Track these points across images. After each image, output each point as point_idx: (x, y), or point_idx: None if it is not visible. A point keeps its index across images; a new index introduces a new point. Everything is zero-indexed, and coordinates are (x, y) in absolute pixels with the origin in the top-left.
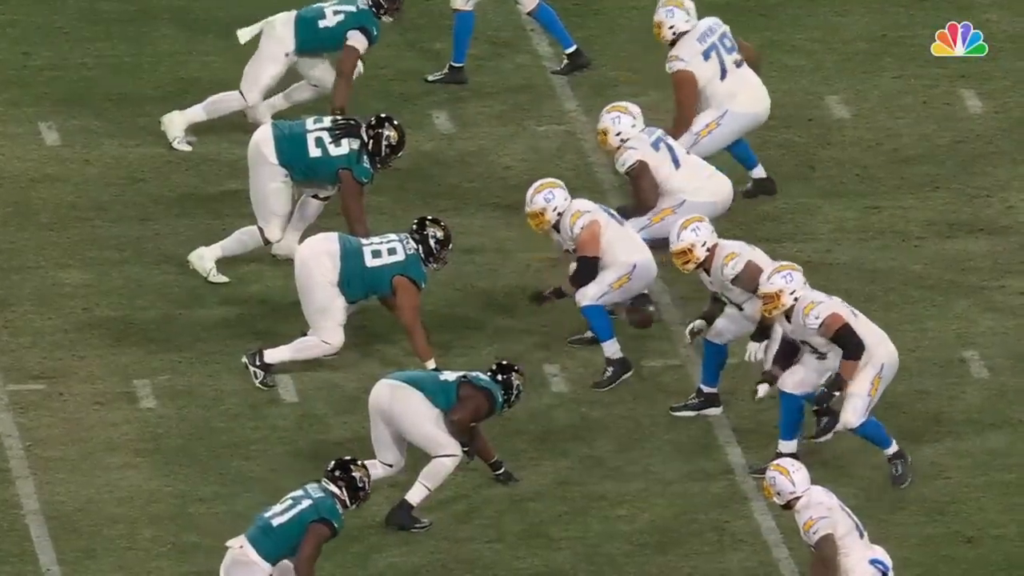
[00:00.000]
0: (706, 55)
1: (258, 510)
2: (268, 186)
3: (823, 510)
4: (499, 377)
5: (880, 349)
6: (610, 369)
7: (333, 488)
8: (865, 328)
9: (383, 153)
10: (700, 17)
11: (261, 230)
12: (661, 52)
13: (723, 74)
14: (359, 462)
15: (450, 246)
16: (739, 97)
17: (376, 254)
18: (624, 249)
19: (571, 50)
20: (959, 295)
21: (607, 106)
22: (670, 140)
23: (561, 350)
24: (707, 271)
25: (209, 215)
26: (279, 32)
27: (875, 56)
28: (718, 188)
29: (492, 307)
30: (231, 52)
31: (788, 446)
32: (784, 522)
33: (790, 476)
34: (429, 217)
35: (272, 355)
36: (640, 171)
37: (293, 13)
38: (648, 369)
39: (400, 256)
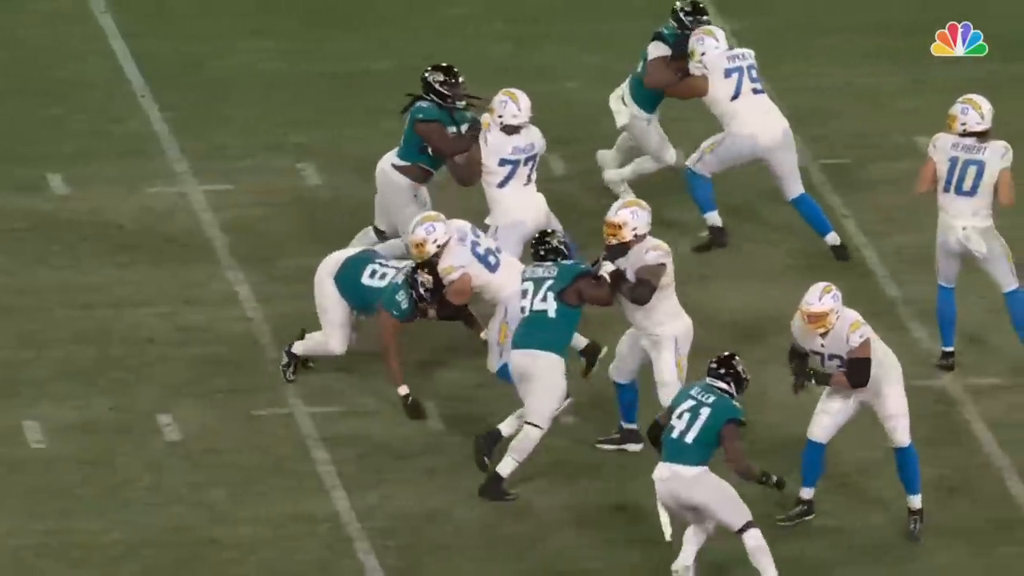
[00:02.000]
0: (727, 73)
1: None
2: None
3: None
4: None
5: (897, 365)
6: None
7: (721, 385)
8: (882, 346)
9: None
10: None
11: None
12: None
13: (736, 95)
14: (736, 355)
15: (441, 293)
16: (741, 117)
17: (373, 274)
18: (495, 289)
19: None
20: None
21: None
22: (520, 170)
23: (172, 399)
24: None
25: None
26: (630, 106)
27: None
28: (533, 205)
29: (107, 360)
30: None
31: (808, 493)
32: (390, 563)
33: None
34: (419, 266)
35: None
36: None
37: (626, 84)
38: (259, 418)
39: (384, 283)
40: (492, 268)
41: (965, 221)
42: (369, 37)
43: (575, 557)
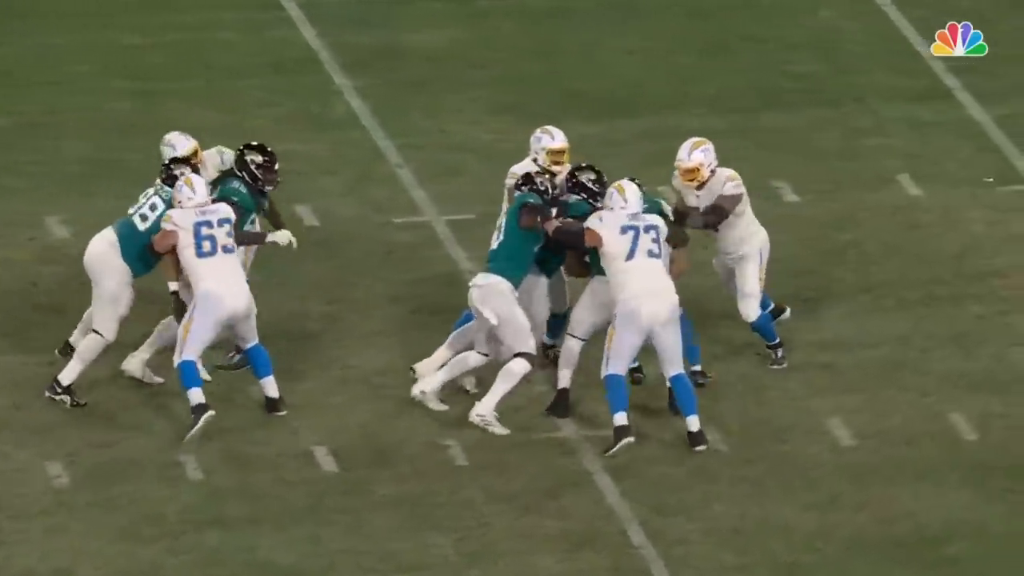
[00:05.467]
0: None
1: None
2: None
3: None
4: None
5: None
6: (193, 416)
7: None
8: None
9: (259, 177)
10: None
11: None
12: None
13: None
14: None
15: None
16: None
17: (143, 218)
18: (194, 278)
19: None
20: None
21: None
22: None
23: None
24: (699, 188)
25: None
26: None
27: (91, 178)
28: None
29: None
30: None
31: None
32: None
33: None
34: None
35: (65, 376)
36: None
37: None
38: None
39: (161, 207)
40: (201, 254)
41: None
42: None
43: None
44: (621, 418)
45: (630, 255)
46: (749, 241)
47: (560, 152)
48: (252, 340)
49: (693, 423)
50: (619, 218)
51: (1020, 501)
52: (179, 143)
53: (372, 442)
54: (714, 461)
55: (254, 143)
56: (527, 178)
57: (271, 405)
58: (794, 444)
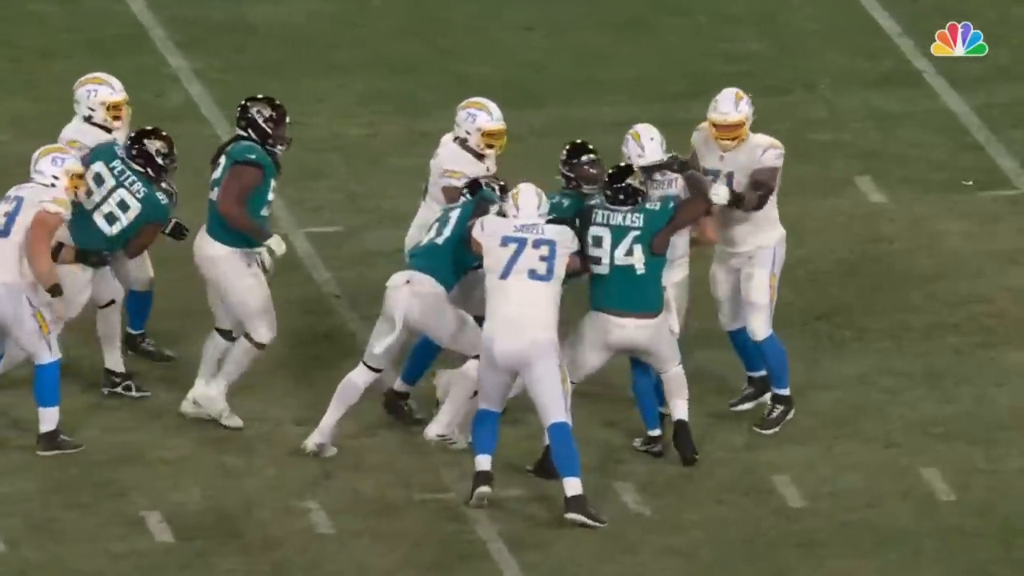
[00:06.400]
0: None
1: None
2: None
3: None
4: None
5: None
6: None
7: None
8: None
9: (269, 132)
10: None
11: (249, 336)
12: None
13: None
14: None
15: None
16: None
17: (110, 220)
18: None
19: None
20: None
21: None
22: None
23: None
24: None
25: None
26: None
27: None
28: None
29: None
30: None
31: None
32: None
33: None
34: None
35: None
36: None
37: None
38: None
39: (135, 204)
40: None
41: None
42: None
43: None
44: (481, 462)
45: (505, 273)
46: (768, 233)
47: (498, 134)
48: (41, 358)
49: (572, 486)
50: (504, 227)
51: (1007, 575)
52: (115, 83)
53: (215, 505)
54: (635, 528)
55: (259, 96)
56: (473, 185)
57: (38, 440)
58: (733, 506)
